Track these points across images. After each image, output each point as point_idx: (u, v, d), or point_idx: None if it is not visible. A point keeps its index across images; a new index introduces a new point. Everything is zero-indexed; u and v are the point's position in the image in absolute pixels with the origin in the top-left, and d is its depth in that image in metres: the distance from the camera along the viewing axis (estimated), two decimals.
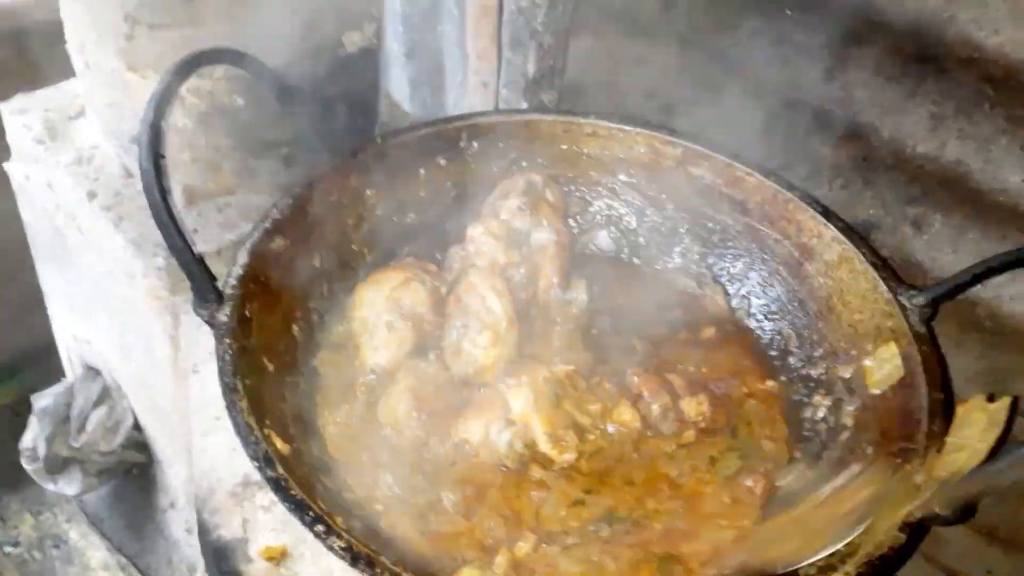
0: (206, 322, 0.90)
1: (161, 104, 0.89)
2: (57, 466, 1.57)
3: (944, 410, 0.86)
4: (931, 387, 0.89)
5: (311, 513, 0.75)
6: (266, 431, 0.82)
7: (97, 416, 1.50)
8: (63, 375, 1.85)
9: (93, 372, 1.56)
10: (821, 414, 1.01)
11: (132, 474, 1.69)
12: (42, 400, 1.55)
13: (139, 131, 0.88)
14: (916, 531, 0.76)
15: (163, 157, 0.88)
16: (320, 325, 1.07)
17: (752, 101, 1.37)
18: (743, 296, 1.18)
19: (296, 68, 1.15)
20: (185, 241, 0.88)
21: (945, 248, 1.23)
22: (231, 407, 0.82)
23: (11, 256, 1.94)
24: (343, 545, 0.72)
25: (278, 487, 0.76)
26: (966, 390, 0.90)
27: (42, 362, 2.03)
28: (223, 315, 0.90)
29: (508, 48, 1.59)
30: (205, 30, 1.07)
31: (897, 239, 1.26)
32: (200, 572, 1.09)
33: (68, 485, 1.60)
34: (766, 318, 1.15)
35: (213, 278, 0.91)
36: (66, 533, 2.05)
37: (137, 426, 1.55)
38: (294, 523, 0.88)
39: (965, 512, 0.76)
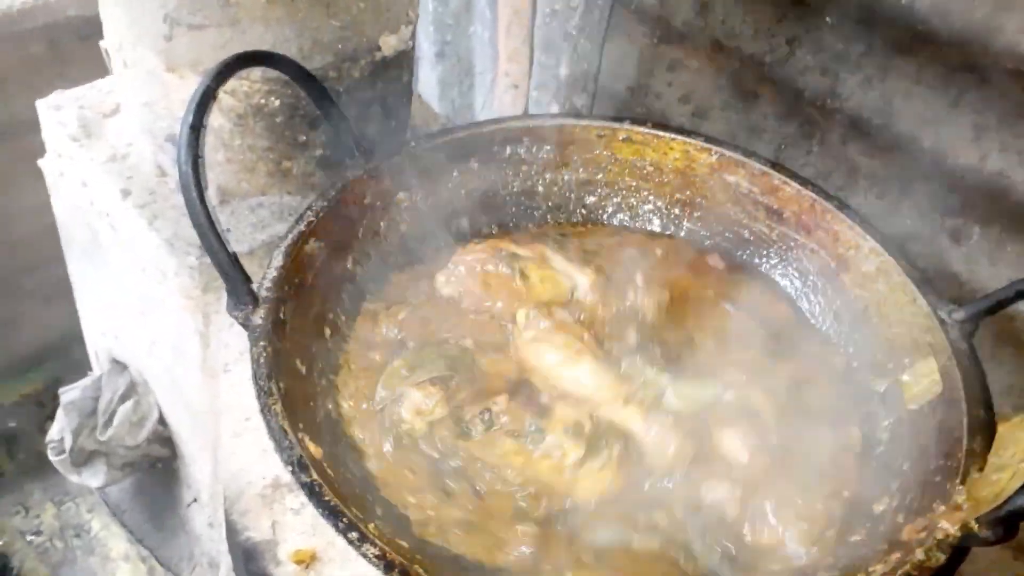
0: (240, 324, 0.90)
1: (201, 106, 0.89)
2: (83, 459, 1.58)
3: (985, 428, 0.85)
4: (971, 404, 0.87)
5: (345, 520, 0.74)
6: (300, 435, 0.82)
7: (123, 410, 1.51)
8: (87, 365, 1.85)
9: (120, 366, 1.57)
10: (855, 429, 1.00)
11: (156, 468, 1.70)
12: (69, 393, 1.56)
13: (179, 132, 0.88)
14: (956, 552, 0.75)
15: (202, 158, 0.88)
16: (350, 327, 1.07)
17: (788, 109, 1.35)
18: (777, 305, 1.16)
19: (333, 72, 1.15)
20: (222, 243, 0.88)
21: (983, 260, 1.21)
22: (265, 411, 0.82)
23: (36, 248, 1.96)
24: (377, 553, 0.72)
25: (312, 492, 0.76)
26: (1000, 405, 0.88)
27: (66, 353, 2.04)
28: (258, 318, 0.90)
29: (540, 50, 1.59)
30: (243, 32, 1.07)
31: (934, 250, 1.25)
32: (224, 570, 1.09)
33: (93, 477, 1.61)
34: (801, 328, 1.14)
35: (248, 280, 0.90)
36: (88, 523, 2.06)
37: (162, 421, 1.55)
38: (324, 526, 0.88)
39: (1007, 533, 0.74)
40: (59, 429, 1.57)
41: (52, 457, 1.61)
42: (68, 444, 1.56)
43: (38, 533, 2.07)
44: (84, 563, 2.00)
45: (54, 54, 1.94)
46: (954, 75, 1.14)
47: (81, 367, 1.86)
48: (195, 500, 1.63)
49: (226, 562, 1.11)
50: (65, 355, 2.08)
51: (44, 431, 1.67)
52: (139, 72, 1.13)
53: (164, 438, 1.59)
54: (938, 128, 1.18)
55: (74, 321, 1.88)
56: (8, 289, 2.15)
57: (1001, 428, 0.84)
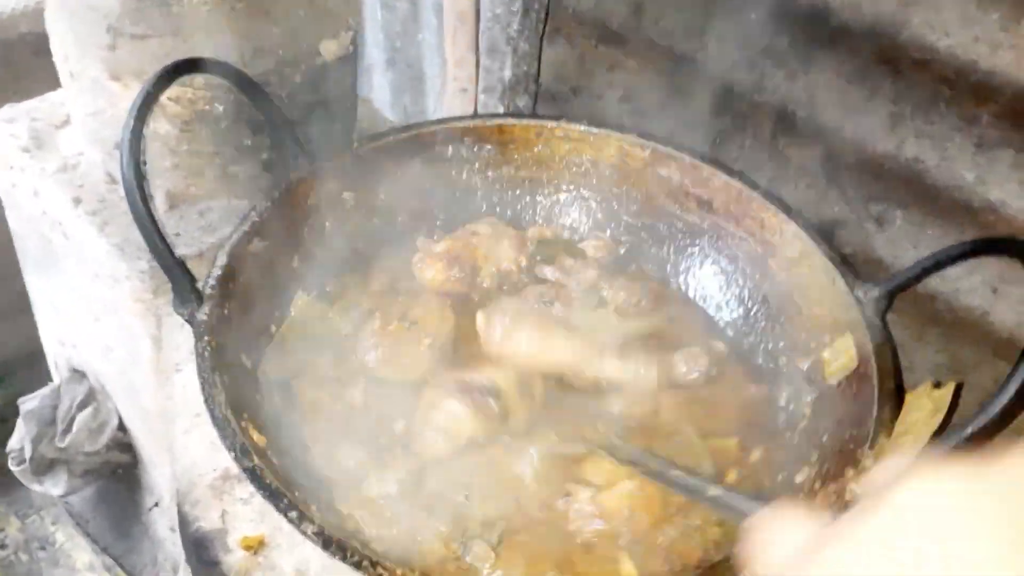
0: (186, 320, 0.93)
1: (141, 112, 0.92)
2: (43, 467, 1.60)
3: (895, 398, 0.90)
4: (883, 376, 0.92)
5: (285, 501, 0.78)
6: (243, 424, 0.85)
7: (82, 417, 1.53)
8: (49, 381, 1.87)
9: (79, 375, 1.59)
10: (781, 404, 1.05)
11: (117, 475, 1.71)
12: (29, 403, 1.58)
13: (121, 139, 0.91)
14: None
15: (144, 164, 0.91)
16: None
17: (720, 104, 1.40)
18: (708, 291, 1.22)
19: (275, 77, 1.18)
20: (165, 242, 0.91)
21: (906, 244, 1.26)
22: (209, 401, 0.85)
23: None
24: (316, 530, 0.75)
25: (253, 476, 0.79)
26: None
27: (29, 369, 2.05)
28: (202, 314, 0.93)
29: (485, 55, 1.63)
30: (185, 40, 1.10)
31: (861, 236, 1.30)
32: (183, 568, 1.12)
33: (54, 486, 1.62)
34: (730, 312, 1.19)
35: (193, 279, 0.94)
36: (52, 535, 2.07)
37: (122, 427, 1.57)
38: (271, 514, 0.91)
39: None
40: (19, 438, 1.59)
41: (13, 467, 1.62)
42: (28, 453, 1.58)
43: (3, 547, 2.08)
44: (49, 575, 2.01)
45: (8, 71, 1.95)
46: (870, 67, 1.19)
47: (44, 382, 1.87)
48: (156, 504, 1.65)
49: (184, 561, 1.13)
50: (27, 371, 2.08)
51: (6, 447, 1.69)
52: (85, 82, 1.16)
53: (124, 444, 1.61)
54: (858, 118, 1.23)
55: (35, 337, 1.89)
56: None
57: (909, 396, 0.89)
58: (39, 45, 1.33)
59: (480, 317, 1.09)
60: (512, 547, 0.89)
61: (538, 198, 1.31)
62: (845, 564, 0.44)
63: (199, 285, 0.95)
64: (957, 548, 0.40)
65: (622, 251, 1.28)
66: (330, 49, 1.20)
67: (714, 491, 0.86)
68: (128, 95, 1.13)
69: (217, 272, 0.98)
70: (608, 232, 1.29)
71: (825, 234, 1.12)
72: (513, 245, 1.22)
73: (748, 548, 0.56)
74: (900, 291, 1.00)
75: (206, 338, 0.91)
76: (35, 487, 1.66)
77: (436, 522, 0.89)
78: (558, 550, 0.89)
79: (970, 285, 1.21)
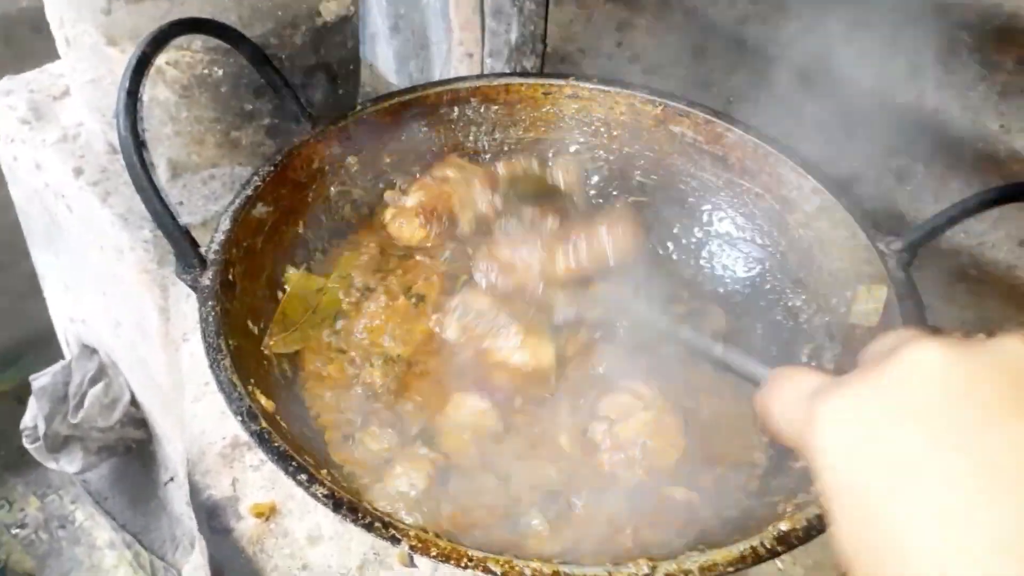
0: (189, 286, 0.91)
1: (137, 72, 0.90)
2: (57, 444, 1.60)
3: None
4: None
5: (294, 463, 0.76)
6: (250, 388, 0.83)
7: (94, 393, 1.52)
8: (62, 359, 1.86)
9: (89, 350, 1.58)
10: (803, 360, 1.03)
11: (132, 451, 1.71)
12: (40, 380, 1.57)
13: (116, 101, 0.89)
14: None
15: (144, 129, 0.89)
16: None
17: (733, 61, 1.37)
18: (725, 248, 1.19)
19: (274, 38, 1.16)
20: (166, 206, 0.89)
21: (927, 198, 1.23)
22: (214, 366, 0.83)
23: (7, 245, 1.96)
24: (326, 492, 0.74)
25: (261, 440, 0.77)
26: None
27: (42, 349, 2.05)
28: (206, 279, 0.91)
29: (491, 17, 1.60)
30: (182, 2, 1.07)
31: (881, 190, 1.27)
32: (198, 537, 1.11)
33: (69, 463, 1.62)
34: (750, 269, 1.16)
35: (195, 243, 0.92)
36: (72, 514, 2.07)
37: (135, 403, 1.57)
38: (282, 480, 0.90)
39: None
40: (32, 416, 1.58)
41: (27, 444, 1.62)
42: (41, 430, 1.57)
43: (23, 526, 2.09)
44: (70, 553, 2.02)
45: (8, 47, 1.94)
46: (889, 15, 1.16)
47: (56, 361, 1.87)
48: (172, 479, 1.65)
49: (198, 532, 1.13)
50: (41, 350, 2.09)
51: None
52: (82, 49, 1.14)
53: (138, 420, 1.61)
54: (876, 69, 1.20)
55: (47, 317, 1.89)
56: None
57: None
58: (39, 21, 1.31)
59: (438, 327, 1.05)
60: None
61: (547, 159, 1.28)
62: (860, 401, 0.48)
63: (202, 250, 0.93)
64: (958, 398, 0.44)
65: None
66: (330, 9, 1.17)
67: (719, 350, 0.83)
68: (126, 61, 1.10)
69: (220, 237, 0.95)
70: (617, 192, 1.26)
71: (844, 189, 1.09)
72: (485, 185, 1.18)
73: (762, 403, 0.59)
74: (924, 243, 0.97)
75: (210, 303, 0.89)
76: (50, 464, 1.66)
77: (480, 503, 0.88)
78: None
79: (995, 239, 1.18)
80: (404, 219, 1.13)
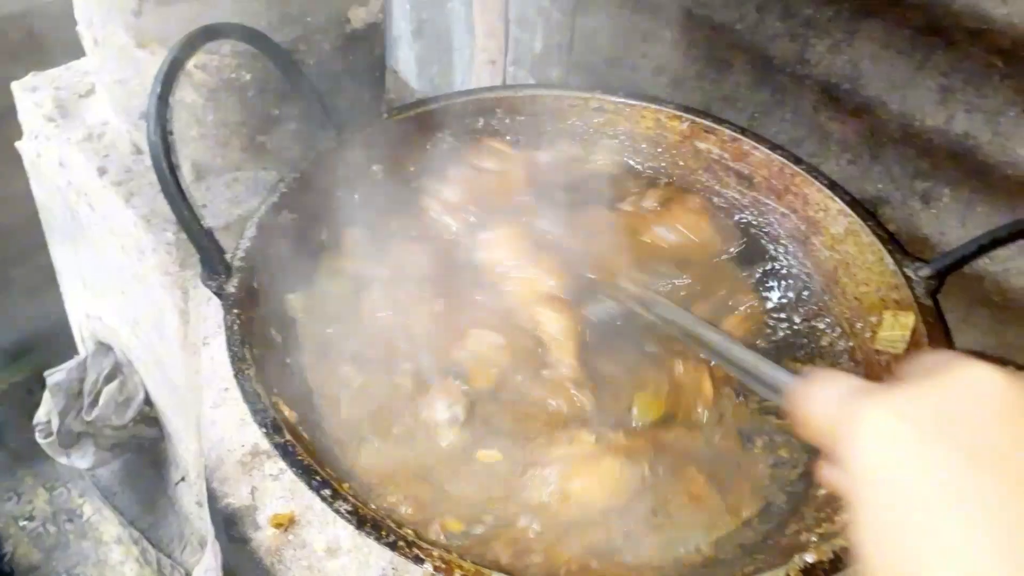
0: (214, 293, 0.91)
1: (168, 77, 0.90)
2: (70, 440, 1.60)
3: None
4: None
5: (318, 478, 0.76)
6: (274, 399, 0.83)
7: (109, 391, 1.52)
8: (75, 353, 1.87)
9: (105, 348, 1.58)
10: None
11: (144, 449, 1.71)
12: (55, 376, 1.57)
13: (147, 105, 0.89)
14: None
15: (171, 133, 0.89)
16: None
17: (759, 77, 1.36)
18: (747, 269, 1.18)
19: (303, 44, 1.15)
20: (193, 212, 0.89)
21: (953, 222, 1.22)
22: (239, 375, 0.83)
23: (21, 237, 1.96)
24: (349, 508, 0.73)
25: (286, 453, 0.77)
26: None
27: (53, 341, 2.05)
28: (231, 286, 0.91)
29: (515, 25, 1.59)
30: (213, 6, 1.07)
31: (905, 213, 1.26)
32: (210, 541, 1.11)
33: (81, 459, 1.62)
34: (771, 291, 1.15)
35: (221, 250, 0.92)
36: (80, 508, 2.07)
37: (148, 401, 1.57)
38: (302, 491, 0.90)
39: None
40: (46, 411, 1.58)
41: (40, 439, 1.62)
42: (55, 426, 1.57)
43: (31, 519, 2.09)
44: (77, 547, 2.02)
45: (32, 41, 1.94)
46: (920, 37, 1.15)
47: (69, 355, 1.87)
48: (183, 479, 1.65)
49: (211, 536, 1.12)
50: (53, 343, 2.09)
51: (33, 419, 1.69)
52: (111, 49, 1.14)
53: (151, 418, 1.61)
54: (905, 91, 1.19)
55: (61, 309, 1.90)
56: None
57: None
58: (65, 16, 1.31)
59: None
60: None
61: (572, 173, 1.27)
62: (910, 408, 0.46)
63: (227, 257, 0.93)
64: (1017, 418, 0.43)
65: None
66: (359, 16, 1.17)
67: (748, 355, 0.79)
68: (154, 62, 1.10)
69: (246, 244, 0.95)
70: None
71: (871, 212, 1.09)
72: (524, 173, 1.17)
73: (798, 400, 0.56)
74: (953, 269, 0.96)
75: (235, 311, 0.89)
76: (62, 460, 1.66)
77: None
78: None
79: (1020, 265, 1.17)
80: (445, 211, 1.12)
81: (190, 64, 1.09)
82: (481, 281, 1.05)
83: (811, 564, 0.72)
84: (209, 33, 0.95)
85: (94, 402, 1.55)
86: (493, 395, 0.95)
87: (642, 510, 0.86)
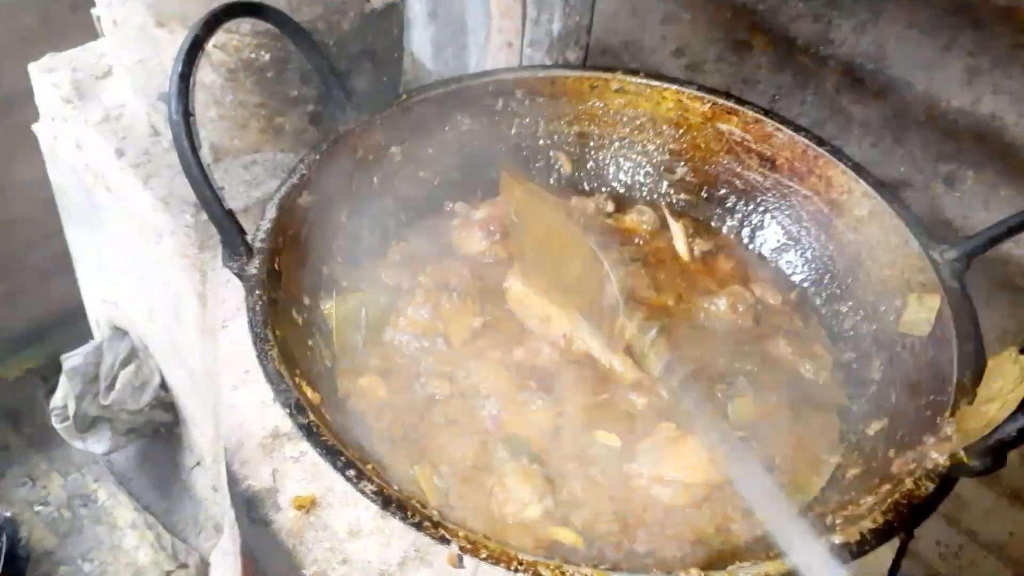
0: (236, 275, 0.91)
1: (189, 57, 0.89)
2: (86, 424, 1.60)
3: (975, 363, 0.86)
4: (962, 340, 0.88)
5: (343, 459, 0.75)
6: (297, 380, 0.83)
7: (125, 375, 1.52)
8: (89, 339, 1.87)
9: (121, 333, 1.58)
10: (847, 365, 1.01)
11: (159, 434, 1.72)
12: (71, 360, 1.58)
13: (169, 84, 0.88)
14: (945, 480, 0.76)
15: (192, 113, 0.88)
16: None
17: (781, 58, 1.35)
18: (771, 251, 1.17)
19: (322, 23, 1.14)
20: (215, 193, 0.88)
21: (977, 205, 1.21)
22: (262, 356, 0.83)
23: (36, 223, 1.97)
24: (375, 489, 0.73)
25: (310, 433, 0.77)
26: (995, 349, 0.88)
27: (68, 327, 2.06)
28: (253, 268, 0.90)
29: (533, 6, 1.57)
30: None
31: (929, 196, 1.25)
32: (227, 528, 1.11)
33: (97, 443, 1.63)
34: (793, 274, 1.14)
35: (243, 231, 0.91)
36: (95, 493, 2.08)
37: (164, 386, 1.57)
38: (323, 472, 0.90)
39: (995, 463, 0.75)
40: (62, 395, 1.59)
41: (56, 424, 1.62)
42: (72, 410, 1.58)
43: (46, 504, 2.10)
44: (91, 532, 2.03)
45: (46, 25, 1.93)
46: (946, 17, 1.13)
47: (83, 340, 1.87)
48: (198, 463, 1.65)
49: (229, 519, 1.12)
50: (68, 328, 2.10)
51: (48, 404, 1.69)
52: (130, 30, 1.13)
53: (166, 403, 1.61)
54: (931, 72, 1.17)
55: (75, 295, 1.90)
56: (9, 265, 2.16)
57: (991, 362, 0.85)
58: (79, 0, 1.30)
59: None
60: None
61: (590, 154, 1.26)
62: None
63: (248, 238, 0.92)
64: None
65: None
66: None
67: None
68: (174, 42, 1.09)
69: (267, 225, 0.95)
70: (663, 189, 1.24)
71: (896, 194, 1.07)
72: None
73: None
74: (979, 252, 0.95)
75: (257, 292, 0.88)
76: (78, 444, 1.66)
77: None
78: None
79: None
80: (468, 230, 1.13)
81: (209, 44, 1.08)
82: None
83: (838, 545, 0.72)
84: (230, 11, 0.94)
85: (110, 386, 1.55)
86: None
87: None
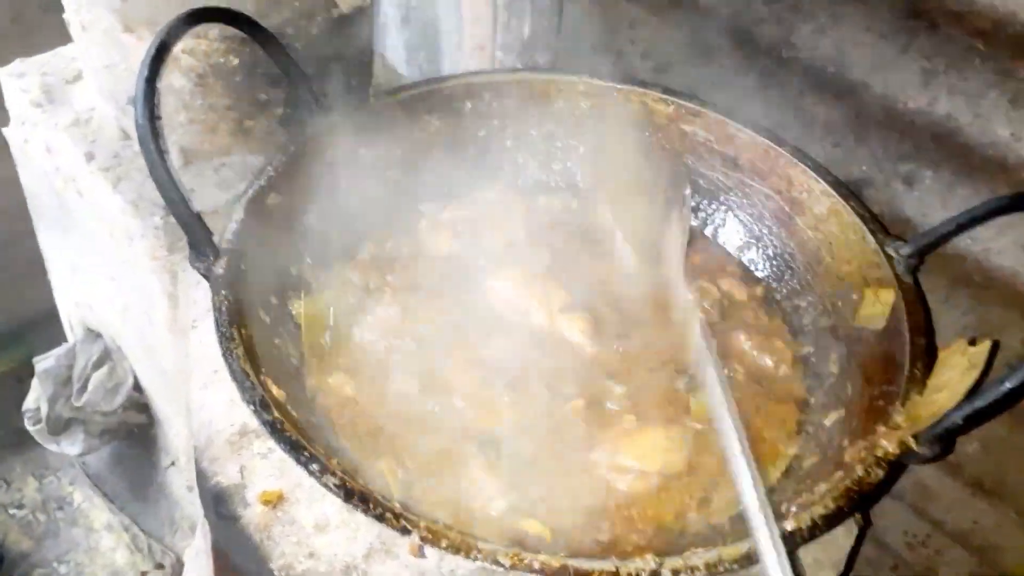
0: (202, 275, 0.92)
1: (156, 60, 0.90)
2: (59, 427, 1.60)
3: (926, 355, 0.88)
4: (914, 333, 0.91)
5: (306, 453, 0.77)
6: (262, 377, 0.84)
7: (98, 377, 1.53)
8: (63, 342, 1.87)
9: (94, 334, 1.58)
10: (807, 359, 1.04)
11: (133, 435, 1.72)
12: (44, 362, 1.58)
13: (135, 88, 0.89)
14: (894, 467, 0.79)
15: (159, 117, 0.89)
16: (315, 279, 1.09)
17: (745, 61, 1.37)
18: (735, 249, 1.19)
19: (291, 28, 1.16)
20: (181, 194, 0.90)
21: (935, 204, 1.23)
22: (227, 355, 0.84)
23: (10, 223, 1.95)
24: (337, 482, 0.74)
25: (274, 429, 0.78)
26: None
27: (44, 329, 2.05)
28: (219, 268, 0.92)
29: (503, 10, 1.59)
30: None
31: (888, 195, 1.27)
32: (201, 527, 1.12)
33: (71, 445, 1.63)
34: (756, 270, 1.16)
35: (210, 233, 0.92)
36: (70, 495, 2.08)
37: (138, 387, 1.57)
38: (290, 469, 0.91)
39: (943, 450, 0.78)
40: (35, 398, 1.59)
41: (29, 426, 1.62)
42: (44, 412, 1.58)
43: (20, 507, 2.09)
44: (67, 534, 2.02)
45: (18, 26, 1.93)
46: (903, 21, 1.16)
47: (59, 342, 1.86)
48: (173, 464, 1.65)
49: (201, 517, 1.13)
50: (43, 331, 2.09)
51: (22, 407, 1.69)
52: (97, 34, 1.14)
53: (140, 404, 1.61)
54: (889, 74, 1.20)
55: (50, 297, 1.89)
56: None
57: (941, 354, 0.88)
58: (50, 1, 1.31)
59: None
60: None
61: (556, 155, 1.28)
62: None
63: (215, 239, 0.93)
64: None
65: None
66: (347, 1, 1.17)
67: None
68: (141, 47, 1.09)
69: (234, 226, 0.96)
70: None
71: (854, 192, 1.10)
72: (520, 216, 1.19)
73: None
74: (932, 248, 0.98)
75: (223, 292, 0.89)
76: (51, 447, 1.66)
77: None
78: None
79: (1001, 246, 1.18)
80: (436, 231, 1.15)
81: (178, 49, 1.09)
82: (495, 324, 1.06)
83: (790, 532, 0.74)
84: (197, 16, 0.95)
85: (83, 388, 1.55)
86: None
87: None
